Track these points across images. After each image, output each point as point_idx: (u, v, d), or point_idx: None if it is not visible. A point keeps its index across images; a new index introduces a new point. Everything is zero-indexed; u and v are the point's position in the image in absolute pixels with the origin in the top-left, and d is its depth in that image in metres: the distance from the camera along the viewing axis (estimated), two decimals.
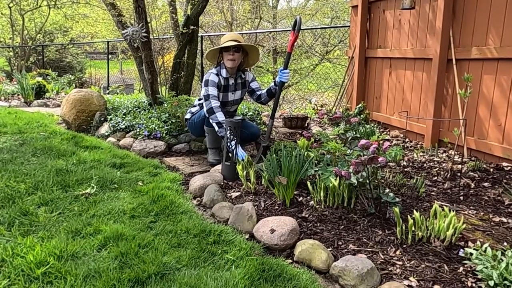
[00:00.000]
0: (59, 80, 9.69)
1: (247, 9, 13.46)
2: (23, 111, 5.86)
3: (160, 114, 4.39)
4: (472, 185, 2.92)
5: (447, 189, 2.88)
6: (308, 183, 2.61)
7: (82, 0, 13.03)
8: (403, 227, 2.16)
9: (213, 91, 3.38)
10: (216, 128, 3.31)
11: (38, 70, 11.30)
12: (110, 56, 12.58)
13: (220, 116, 3.30)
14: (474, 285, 1.80)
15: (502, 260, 1.80)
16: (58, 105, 7.01)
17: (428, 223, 2.16)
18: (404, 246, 2.12)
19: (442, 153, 3.70)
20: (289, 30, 3.50)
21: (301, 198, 2.72)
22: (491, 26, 3.38)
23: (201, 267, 1.96)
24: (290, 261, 2.07)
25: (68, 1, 13.05)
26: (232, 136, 3.08)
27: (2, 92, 7.78)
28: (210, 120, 3.34)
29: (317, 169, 2.71)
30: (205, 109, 3.38)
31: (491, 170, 3.21)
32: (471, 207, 2.60)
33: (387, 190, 2.49)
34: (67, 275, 1.83)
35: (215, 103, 3.34)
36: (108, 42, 12.24)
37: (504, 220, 2.41)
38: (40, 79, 8.49)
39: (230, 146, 3.10)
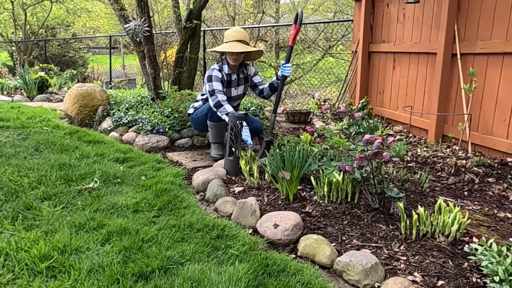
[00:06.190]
0: (61, 75, 9.69)
1: (249, 4, 13.39)
2: (26, 106, 5.86)
3: (163, 109, 4.38)
4: (477, 181, 2.91)
5: (451, 185, 2.87)
6: (312, 178, 2.61)
7: None
8: (407, 222, 2.15)
9: (217, 85, 3.37)
10: (227, 119, 3.26)
11: (41, 64, 11.28)
12: (112, 51, 12.54)
13: (229, 107, 3.28)
14: (479, 280, 1.79)
15: (508, 256, 1.79)
16: (61, 100, 7.00)
17: (433, 218, 2.15)
18: (409, 241, 2.11)
19: (446, 148, 3.68)
20: (291, 25, 3.47)
21: (304, 193, 2.71)
22: (497, 20, 3.35)
23: (204, 261, 1.96)
24: (293, 256, 2.07)
25: None
26: (235, 131, 3.07)
27: (5, 87, 7.78)
28: (219, 113, 3.31)
29: (320, 164, 2.70)
30: (212, 104, 3.36)
31: (496, 165, 3.19)
32: (476, 203, 2.58)
33: (391, 185, 2.48)
34: (70, 269, 1.83)
35: (221, 97, 3.32)
36: (110, 36, 12.19)
37: (509, 215, 2.40)
38: (42, 73, 8.49)
39: (234, 140, 3.09)
